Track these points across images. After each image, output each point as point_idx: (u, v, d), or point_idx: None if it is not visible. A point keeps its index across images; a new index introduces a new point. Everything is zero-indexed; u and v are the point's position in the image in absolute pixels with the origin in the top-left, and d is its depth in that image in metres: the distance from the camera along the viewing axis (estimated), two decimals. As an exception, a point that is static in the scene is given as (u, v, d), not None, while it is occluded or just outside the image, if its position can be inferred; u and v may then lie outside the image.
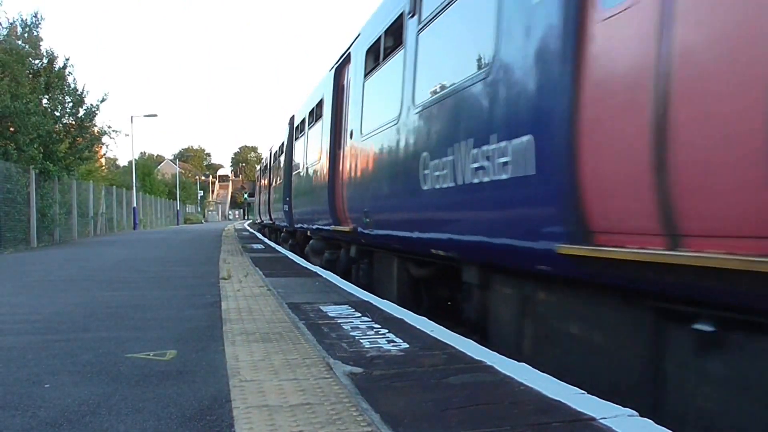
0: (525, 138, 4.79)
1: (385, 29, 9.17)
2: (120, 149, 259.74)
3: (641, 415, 3.32)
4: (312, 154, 14.96)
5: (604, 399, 3.60)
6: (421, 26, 7.49)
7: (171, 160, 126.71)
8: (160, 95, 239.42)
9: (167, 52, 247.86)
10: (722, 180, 3.19)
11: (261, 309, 7.16)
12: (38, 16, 25.75)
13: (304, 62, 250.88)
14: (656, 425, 3.18)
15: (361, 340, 5.32)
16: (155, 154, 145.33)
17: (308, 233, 16.13)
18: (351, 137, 10.66)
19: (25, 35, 25.45)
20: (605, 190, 4.02)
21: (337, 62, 12.60)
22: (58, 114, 26.77)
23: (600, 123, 4.05)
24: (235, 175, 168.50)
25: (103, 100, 27.99)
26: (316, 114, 14.88)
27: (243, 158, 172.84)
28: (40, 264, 15.55)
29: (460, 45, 6.51)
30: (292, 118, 19.38)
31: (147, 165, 75.30)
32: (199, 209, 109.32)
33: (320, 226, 13.57)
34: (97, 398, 3.86)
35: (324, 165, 12.97)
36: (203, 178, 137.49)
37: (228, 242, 23.45)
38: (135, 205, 46.28)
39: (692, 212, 3.40)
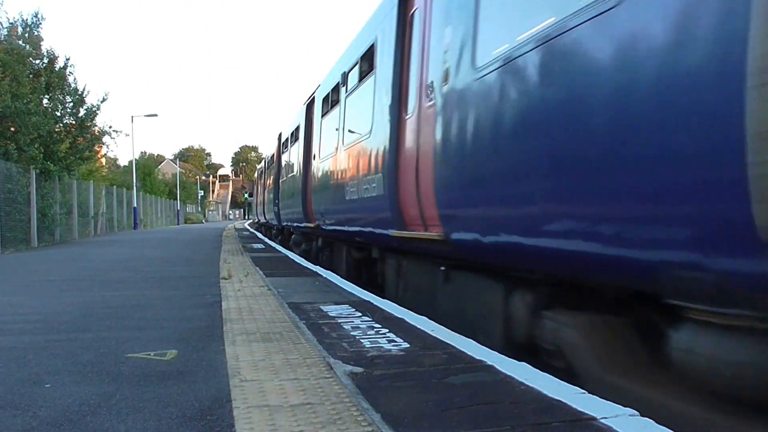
0: (379, 174, 8.52)
1: (331, 88, 13.01)
2: (120, 149, 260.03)
3: (642, 415, 3.32)
4: (292, 167, 18.56)
5: (605, 398, 3.60)
6: (347, 94, 11.35)
7: (171, 160, 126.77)
8: (160, 95, 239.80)
9: (167, 51, 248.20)
10: (414, 206, 7.29)
11: (261, 309, 7.16)
12: (39, 15, 25.73)
13: (304, 62, 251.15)
14: (657, 425, 3.18)
15: (362, 340, 5.32)
16: (156, 154, 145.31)
17: (291, 229, 20.02)
18: (314, 159, 14.47)
19: (26, 35, 25.44)
20: (408, 204, 7.55)
21: (307, 100, 16.50)
22: (58, 114, 26.78)
23: (404, 169, 7.65)
24: (236, 175, 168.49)
25: (103, 100, 28.01)
26: (294, 136, 18.49)
27: (243, 158, 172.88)
28: (41, 264, 15.56)
29: (361, 112, 9.98)
30: (280, 135, 23.09)
31: (147, 165, 75.18)
32: (199, 209, 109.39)
33: (298, 224, 17.34)
34: (98, 398, 3.86)
35: (299, 177, 16.43)
36: (204, 177, 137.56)
37: (228, 242, 23.45)
38: (135, 205, 46.26)
39: (426, 216, 6.98)
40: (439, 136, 6.29)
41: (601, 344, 4.31)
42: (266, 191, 26.41)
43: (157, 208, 60.64)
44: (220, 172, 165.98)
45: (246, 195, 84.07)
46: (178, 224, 69.03)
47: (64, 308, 7.68)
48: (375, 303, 7.50)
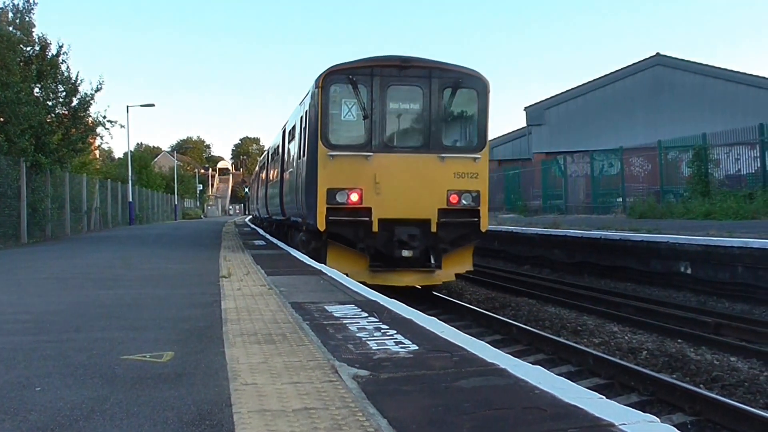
0: (278, 189, 21.31)
1: (288, 129, 19.96)
2: (115, 141, 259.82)
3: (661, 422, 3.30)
4: (274, 174, 24.02)
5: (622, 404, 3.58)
6: (288, 139, 19.41)
7: (169, 152, 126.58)
8: (157, 84, 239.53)
9: (165, 40, 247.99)
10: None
11: (263, 309, 7.16)
12: (31, 0, 25.78)
13: (307, 51, 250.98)
14: (676, 430, 3.16)
15: (368, 342, 5.31)
16: (152, 146, 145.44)
17: (274, 220, 26.17)
18: (283, 170, 20.89)
19: (17, 21, 25.43)
20: (268, 207, 24.11)
21: (282, 127, 22.63)
22: (50, 104, 26.70)
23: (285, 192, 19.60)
24: (236, 168, 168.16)
25: (98, 89, 27.99)
26: (276, 150, 24.39)
27: (244, 150, 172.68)
28: (31, 261, 15.57)
29: (285, 158, 20.42)
30: (269, 149, 29.98)
31: (143, 157, 74.67)
32: (198, 204, 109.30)
33: (277, 216, 23.33)
34: (91, 402, 3.85)
35: (278, 182, 22.02)
36: (203, 171, 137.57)
37: (228, 238, 23.47)
38: (131, 200, 46.24)
39: (283, 211, 20.68)
40: (287, 179, 18.82)
41: (298, 239, 17.14)
42: (269, 184, 26.86)
43: (153, 203, 60.65)
44: (220, 165, 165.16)
45: (246, 189, 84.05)
46: (175, 220, 68.99)
47: (55, 307, 7.68)
48: (382, 303, 7.49)
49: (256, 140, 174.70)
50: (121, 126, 32.55)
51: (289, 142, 19.51)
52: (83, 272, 12.26)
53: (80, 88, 27.61)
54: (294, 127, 18.26)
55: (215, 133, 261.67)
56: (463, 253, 14.98)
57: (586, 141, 43.13)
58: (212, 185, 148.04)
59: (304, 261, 13.41)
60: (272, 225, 27.78)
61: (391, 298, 7.95)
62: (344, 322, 6.25)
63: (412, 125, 14.69)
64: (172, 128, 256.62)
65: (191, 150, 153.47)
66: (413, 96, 14.42)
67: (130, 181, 46.81)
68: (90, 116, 28.62)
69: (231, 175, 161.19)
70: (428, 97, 14.29)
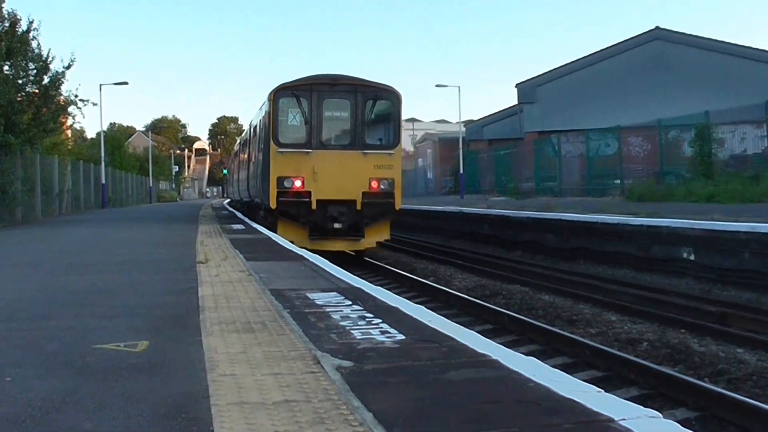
0: (246, 175, 27.72)
1: (253, 126, 25.41)
2: (88, 120, 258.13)
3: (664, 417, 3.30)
4: (245, 162, 28.79)
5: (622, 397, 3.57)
6: (252, 134, 25.63)
7: (143, 132, 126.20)
8: (131, 62, 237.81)
9: (139, 15, 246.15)
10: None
11: (241, 296, 7.13)
12: (-1, -27, 25.49)
13: (286, 26, 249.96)
14: (680, 427, 3.16)
15: (352, 331, 5.30)
16: (126, 126, 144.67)
17: (245, 202, 30.50)
18: (249, 159, 26.41)
19: (-16, -4, 25.18)
20: (241, 190, 30.65)
21: (250, 122, 28.54)
22: (20, 82, 26.49)
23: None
24: (213, 149, 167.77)
25: (69, 66, 27.75)
26: (246, 141, 29.61)
27: (222, 130, 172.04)
28: (0, 246, 15.49)
29: (250, 150, 26.48)
30: (242, 137, 36.63)
31: (117, 137, 74.43)
32: (173, 186, 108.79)
33: (247, 199, 28.01)
34: (62, 393, 3.82)
35: (246, 169, 27.34)
36: (178, 151, 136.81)
37: (205, 222, 23.42)
38: (104, 182, 45.96)
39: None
40: (251, 168, 25.34)
41: (260, 216, 22.80)
42: (241, 170, 32.01)
43: (127, 185, 60.35)
44: (196, 145, 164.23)
45: (225, 171, 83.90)
46: (150, 203, 68.76)
47: (25, 294, 7.64)
48: (366, 290, 7.47)
49: (234, 119, 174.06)
50: (94, 104, 32.22)
51: (253, 137, 25.68)
52: (54, 257, 12.21)
53: (51, 66, 27.39)
54: (256, 126, 24.33)
55: (191, 112, 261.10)
56: (382, 226, 20.18)
57: (581, 119, 42.99)
58: (188, 166, 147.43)
59: (285, 246, 13.40)
60: (245, 207, 31.53)
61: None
62: (327, 310, 6.24)
63: (342, 128, 19.92)
64: (147, 108, 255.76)
65: (166, 130, 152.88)
66: (342, 106, 19.71)
67: (103, 163, 46.37)
68: (61, 95, 28.41)
69: (208, 156, 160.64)
70: (354, 107, 19.47)
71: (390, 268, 18.94)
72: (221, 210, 39.33)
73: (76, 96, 29.44)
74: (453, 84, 58.50)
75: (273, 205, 19.17)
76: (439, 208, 31.18)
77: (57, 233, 19.35)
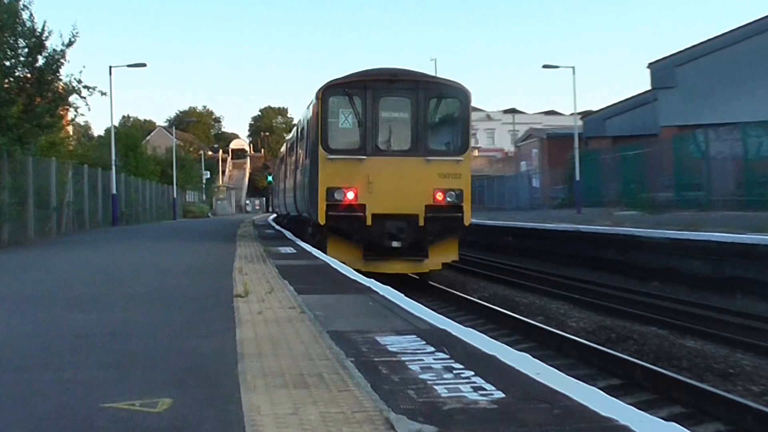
0: (292, 185, 31.42)
1: (300, 128, 28.66)
2: (95, 113, 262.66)
3: None
4: (292, 170, 32.11)
5: None
6: (299, 137, 28.63)
7: (165, 128, 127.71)
8: (150, 40, 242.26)
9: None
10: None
11: (291, 340, 7.16)
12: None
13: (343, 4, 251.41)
14: None
15: (436, 387, 5.28)
16: (144, 120, 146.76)
17: (292, 217, 34.03)
18: (296, 167, 29.53)
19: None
20: (288, 203, 35.52)
21: (297, 124, 32.94)
22: (8, 64, 26.84)
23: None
24: (255, 150, 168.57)
25: (70, 43, 28.19)
26: (293, 146, 32.55)
27: (266, 125, 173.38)
28: (-16, 274, 15.77)
29: (297, 157, 29.84)
30: (289, 139, 39.18)
31: (132, 135, 74.60)
32: (204, 197, 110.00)
33: (294, 213, 31.18)
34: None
35: (293, 178, 30.31)
36: (210, 153, 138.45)
37: (245, 244, 23.60)
38: (115, 191, 46.52)
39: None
40: (298, 177, 28.25)
41: (307, 232, 25.77)
42: (287, 179, 35.48)
43: (145, 196, 61.10)
44: (233, 144, 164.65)
45: (270, 177, 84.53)
46: (174, 219, 69.45)
47: (15, 337, 7.76)
48: (454, 333, 7.44)
49: (282, 111, 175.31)
50: (102, 93, 32.73)
51: (300, 140, 28.04)
52: (52, 289, 12.39)
53: (47, 43, 27.75)
54: (304, 128, 26.54)
55: (227, 102, 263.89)
56: (449, 244, 21.80)
57: (735, 110, 42.12)
58: (223, 172, 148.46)
59: (348, 275, 13.45)
60: (293, 223, 34.24)
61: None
62: (403, 358, 6.23)
63: (401, 131, 21.25)
64: (170, 97, 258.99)
65: (195, 125, 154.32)
66: (402, 106, 21.20)
67: (113, 167, 46.82)
68: (60, 80, 28.79)
69: (248, 159, 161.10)
70: (415, 107, 21.01)
71: (482, 302, 18.89)
72: (265, 228, 39.63)
73: (80, 82, 29.83)
74: (565, 65, 56.85)
75: (321, 220, 20.79)
76: (549, 225, 30.99)
77: (55, 258, 19.67)
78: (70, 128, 52.18)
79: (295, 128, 33.57)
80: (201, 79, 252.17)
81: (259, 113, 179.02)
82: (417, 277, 22.45)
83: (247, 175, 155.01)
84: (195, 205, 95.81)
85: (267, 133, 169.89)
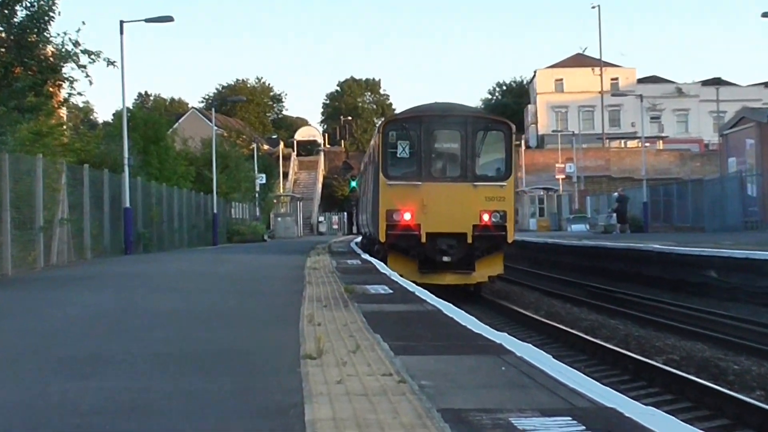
0: (367, 207, 50.07)
1: (369, 152, 53.86)
2: (99, 90, 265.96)
3: None
4: (367, 187, 48.32)
5: None
6: (368, 161, 50.56)
7: (200, 111, 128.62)
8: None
9: None
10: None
11: (387, 422, 7.17)
12: None
13: None
14: None
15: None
16: (170, 100, 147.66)
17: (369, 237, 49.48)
18: (366, 189, 52.45)
19: None
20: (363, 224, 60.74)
21: (361, 167, 73.93)
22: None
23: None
24: (332, 141, 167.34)
25: (63, -11, 28.45)
26: (366, 166, 54.25)
27: (348, 104, 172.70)
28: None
29: (366, 179, 51.97)
30: (368, 153, 55.03)
31: (153, 121, 71.90)
32: (258, 211, 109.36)
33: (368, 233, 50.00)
34: None
35: (365, 199, 51.36)
36: (267, 146, 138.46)
37: (318, 279, 23.66)
38: (128, 204, 46.41)
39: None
40: (368, 199, 47.83)
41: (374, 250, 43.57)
42: (369, 193, 48.90)
43: (172, 210, 60.65)
44: (301, 135, 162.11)
45: (354, 182, 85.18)
46: (215, 244, 69.65)
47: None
48: (628, 414, 7.39)
49: (372, 85, 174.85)
50: (110, 62, 32.99)
51: (369, 164, 44.18)
52: (40, 346, 12.55)
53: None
54: (370, 155, 43.53)
55: (291, 73, 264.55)
56: (495, 259, 34.89)
57: None
58: (285, 174, 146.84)
59: (469, 327, 13.40)
60: (373, 247, 45.50)
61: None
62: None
63: (452, 160, 34.84)
64: (208, 66, 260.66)
65: (245, 106, 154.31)
66: (452, 137, 34.49)
67: (126, 168, 46.59)
68: (49, 43, 29.08)
69: (322, 155, 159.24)
70: (464, 139, 33.91)
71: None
72: (346, 256, 39.91)
73: (77, 45, 30.03)
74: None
75: (382, 238, 34.37)
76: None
77: (43, 300, 19.89)
78: (63, 112, 52.37)
79: (369, 150, 51.57)
80: (252, 40, 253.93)
81: (338, 89, 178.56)
82: (472, 288, 35.61)
83: (321, 178, 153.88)
84: (244, 223, 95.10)
85: (350, 117, 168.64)
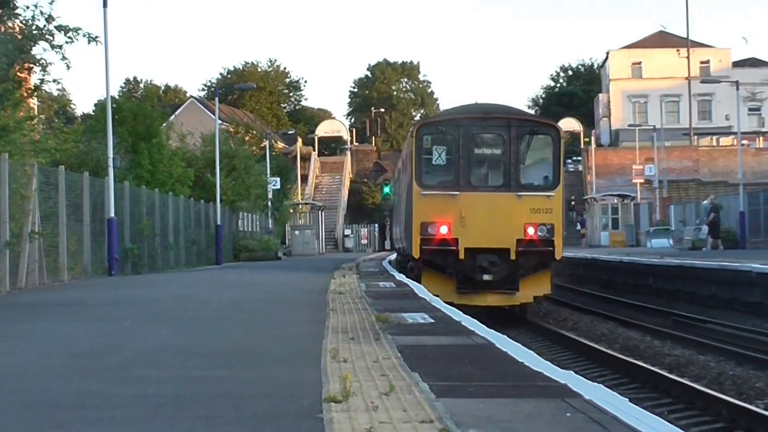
0: (400, 219, 59.54)
1: (402, 159, 61.32)
2: (78, 76, 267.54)
3: None
4: (400, 195, 58.08)
5: None
6: (401, 169, 59.78)
7: (200, 101, 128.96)
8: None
9: None
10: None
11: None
12: None
13: None
14: None
15: None
16: (164, 87, 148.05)
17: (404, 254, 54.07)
18: (398, 200, 65.24)
19: None
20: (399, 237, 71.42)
21: (395, 172, 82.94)
22: None
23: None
24: (361, 138, 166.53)
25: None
26: (399, 173, 64.68)
27: (381, 92, 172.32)
28: None
29: (400, 186, 61.66)
30: (402, 157, 59.57)
31: (144, 113, 72.15)
32: (270, 222, 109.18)
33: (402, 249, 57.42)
34: None
35: (398, 209, 62.73)
36: (281, 144, 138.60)
37: (343, 306, 23.69)
38: (113, 214, 46.37)
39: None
40: (401, 210, 58.08)
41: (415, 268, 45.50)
42: (402, 204, 52.12)
43: (167, 221, 60.73)
44: (323, 129, 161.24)
45: (387, 187, 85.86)
46: (218, 262, 69.70)
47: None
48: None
49: (409, 69, 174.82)
50: (92, 39, 33.14)
51: (403, 171, 46.96)
52: (8, 394, 12.60)
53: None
54: (403, 161, 48.28)
55: (310, 55, 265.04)
56: (541, 277, 36.82)
57: None
58: (304, 178, 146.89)
59: (527, 364, 13.39)
60: (407, 264, 49.37)
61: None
62: None
63: (493, 167, 36.47)
64: (210, 47, 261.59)
65: (255, 95, 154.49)
66: (494, 142, 36.38)
67: (111, 170, 46.67)
68: (16, 17, 29.24)
69: (349, 154, 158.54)
70: (507, 143, 35.48)
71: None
72: (378, 277, 39.98)
73: (50, 20, 30.13)
74: None
75: (416, 254, 36.07)
76: None
77: (8, 334, 19.98)
78: (34, 102, 52.49)
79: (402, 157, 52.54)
80: (263, 16, 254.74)
81: (368, 74, 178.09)
82: (516, 311, 37.57)
83: (347, 183, 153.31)
84: (254, 237, 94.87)
85: (382, 109, 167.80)
